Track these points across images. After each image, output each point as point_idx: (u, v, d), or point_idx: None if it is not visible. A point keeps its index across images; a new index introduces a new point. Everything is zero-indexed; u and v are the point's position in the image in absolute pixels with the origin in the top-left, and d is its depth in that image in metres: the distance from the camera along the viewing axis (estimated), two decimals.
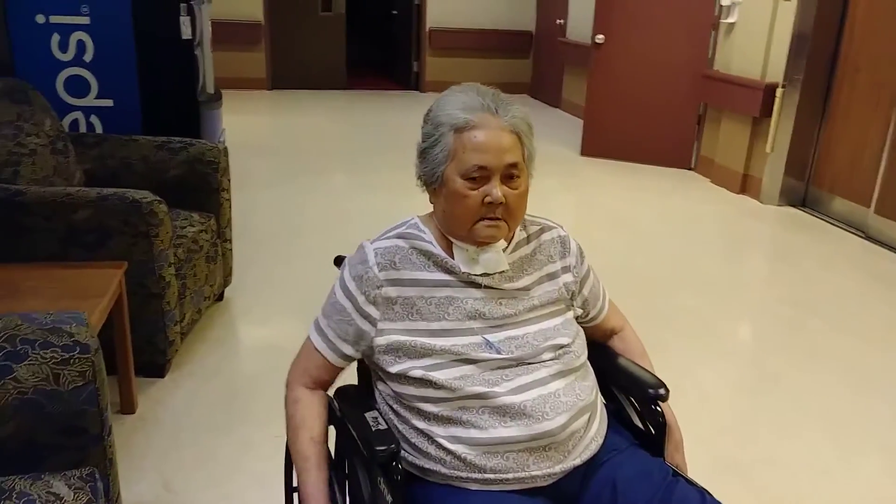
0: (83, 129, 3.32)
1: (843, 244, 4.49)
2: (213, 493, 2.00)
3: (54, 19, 3.17)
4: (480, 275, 1.32)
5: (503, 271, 1.34)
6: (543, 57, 9.43)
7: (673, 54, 5.90)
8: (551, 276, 1.40)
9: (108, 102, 3.32)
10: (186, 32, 3.40)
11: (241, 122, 6.77)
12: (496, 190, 1.26)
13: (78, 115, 3.31)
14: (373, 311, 1.30)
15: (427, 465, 1.27)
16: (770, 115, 5.04)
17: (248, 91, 8.73)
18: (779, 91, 4.97)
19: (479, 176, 1.26)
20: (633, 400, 1.48)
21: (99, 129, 3.33)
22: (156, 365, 2.50)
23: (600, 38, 6.10)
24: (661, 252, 4.19)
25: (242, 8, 8.64)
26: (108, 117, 3.34)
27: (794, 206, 5.17)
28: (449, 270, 1.32)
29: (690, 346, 3.05)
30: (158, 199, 2.34)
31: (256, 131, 6.88)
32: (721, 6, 5.57)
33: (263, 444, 2.17)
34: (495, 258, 1.32)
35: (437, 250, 1.34)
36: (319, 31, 9.40)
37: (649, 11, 5.92)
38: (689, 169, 6.05)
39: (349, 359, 1.36)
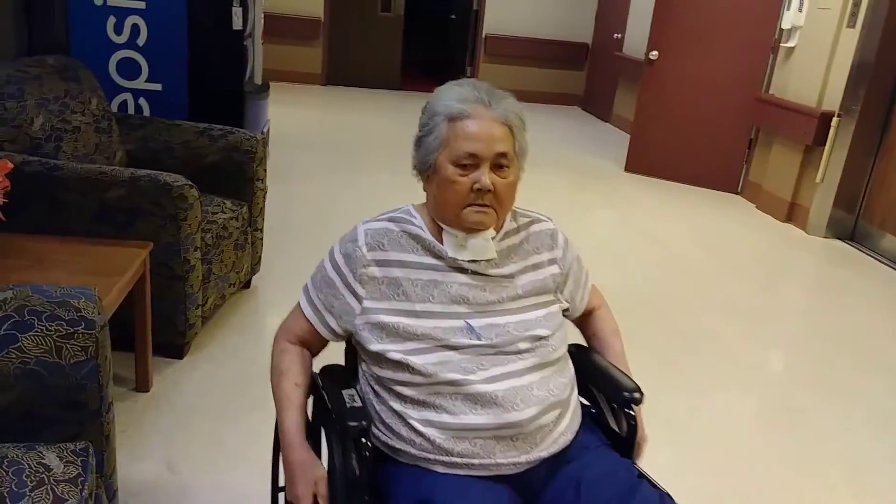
0: (131, 110, 3.40)
1: (889, 283, 4.33)
2: (215, 479, 2.02)
3: (112, 2, 3.26)
4: (468, 261, 1.36)
5: (490, 259, 1.38)
6: (598, 70, 9.35)
7: (727, 75, 5.78)
8: (537, 267, 1.44)
9: (157, 86, 3.40)
10: (237, 23, 3.47)
11: (292, 116, 6.87)
12: (485, 177, 1.32)
13: (127, 96, 3.40)
14: (359, 288, 1.37)
15: (398, 446, 1.33)
16: (823, 143, 4.90)
17: (303, 85, 8.85)
18: (834, 120, 4.83)
19: (470, 163, 1.32)
20: (612, 404, 1.50)
21: (147, 112, 3.42)
22: (174, 346, 2.54)
23: (654, 54, 6.02)
24: (695, 275, 4.10)
25: (304, 4, 8.77)
26: (156, 101, 3.42)
27: (840, 239, 5.01)
28: (436, 255, 1.38)
29: (714, 372, 2.97)
30: (190, 183, 2.38)
31: (306, 125, 6.96)
32: (781, 30, 5.45)
33: (271, 434, 2.17)
34: (483, 245, 1.36)
35: (426, 235, 1.39)
36: (377, 31, 9.48)
37: (706, 30, 5.81)
38: (735, 193, 5.92)
39: (333, 332, 1.41)
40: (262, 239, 3.15)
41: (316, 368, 1.49)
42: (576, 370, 1.46)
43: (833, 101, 4.90)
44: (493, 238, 1.38)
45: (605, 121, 8.90)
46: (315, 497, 1.28)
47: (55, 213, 2.31)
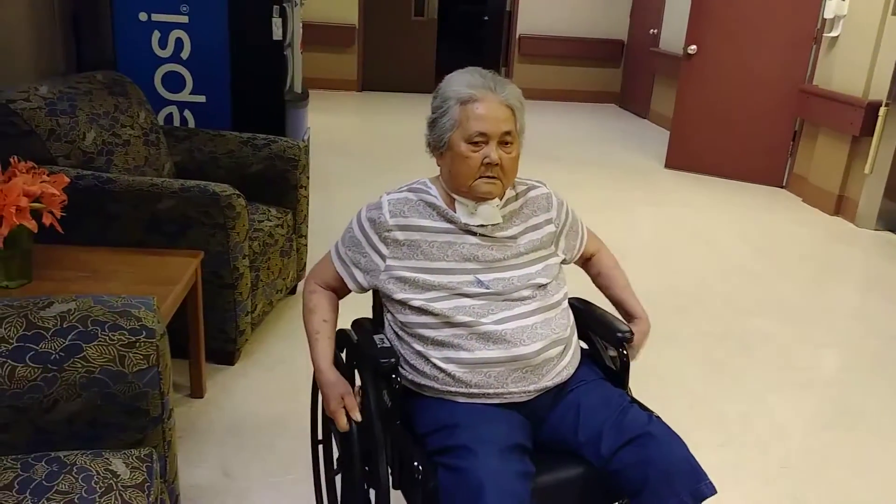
0: (177, 122, 3.47)
1: None
2: (267, 483, 2.05)
3: (156, 17, 3.33)
4: (478, 225, 1.57)
5: (496, 223, 1.58)
6: (634, 67, 9.26)
7: (769, 67, 5.68)
8: (535, 227, 1.64)
9: (202, 98, 3.47)
10: (277, 34, 3.51)
11: (330, 122, 6.94)
12: (493, 153, 1.52)
13: (173, 109, 3.47)
14: (383, 248, 1.58)
15: (422, 382, 1.53)
16: (871, 134, 4.78)
17: (339, 92, 8.94)
18: (882, 110, 4.71)
19: (480, 141, 1.53)
20: (607, 343, 1.72)
21: (192, 124, 3.48)
22: (226, 353, 2.58)
23: (692, 48, 5.94)
24: (742, 272, 4.03)
25: (338, 11, 8.86)
26: (200, 112, 3.48)
27: (892, 231, 4.88)
28: (450, 220, 1.58)
29: (765, 374, 2.92)
30: (237, 192, 2.41)
31: (343, 131, 7.03)
32: (824, 19, 5.33)
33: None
34: (491, 211, 1.57)
35: (441, 203, 1.60)
36: (411, 36, 9.54)
37: (746, 23, 5.71)
38: (781, 187, 5.81)
39: (359, 285, 1.63)
40: (306, 245, 3.19)
41: (347, 323, 1.70)
42: (577, 319, 1.68)
43: (880, 91, 4.77)
44: (497, 205, 1.58)
45: (643, 117, 8.81)
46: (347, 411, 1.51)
47: (109, 225, 2.37)
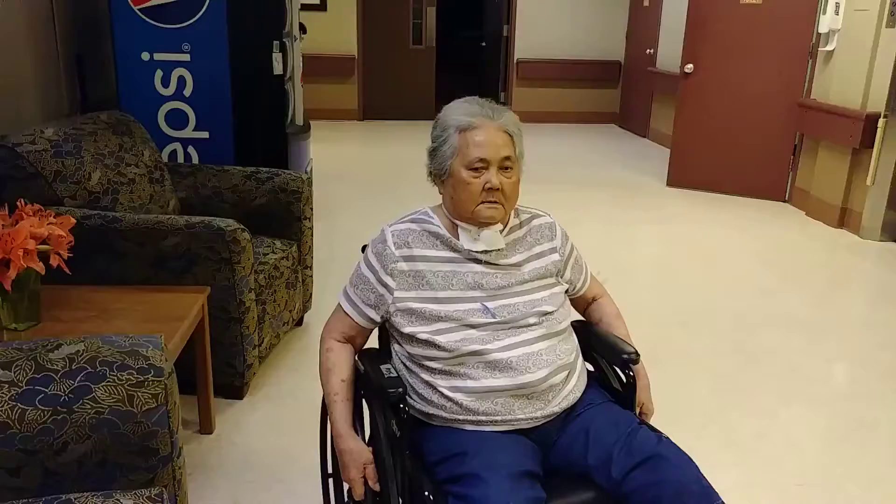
0: (181, 159, 3.51)
1: None
2: None
3: (158, 57, 3.38)
4: (481, 252, 1.59)
5: (499, 249, 1.60)
6: (632, 87, 9.32)
7: (766, 83, 5.71)
8: (540, 255, 1.66)
9: (205, 134, 3.51)
10: (278, 68, 3.56)
11: (331, 152, 6.99)
12: (494, 178, 1.55)
13: (176, 146, 3.51)
14: (390, 281, 1.60)
15: (431, 411, 1.55)
16: (871, 145, 4.79)
17: (340, 121, 9.01)
18: (881, 121, 4.72)
19: (480, 167, 1.56)
20: (613, 366, 1.72)
21: (195, 160, 3.52)
22: (234, 387, 2.59)
23: (689, 67, 5.98)
24: (749, 288, 4.02)
25: (337, 42, 8.98)
26: (203, 148, 3.52)
27: None
28: (453, 249, 1.61)
29: (777, 389, 2.90)
30: (242, 227, 2.43)
31: (345, 160, 7.07)
32: (819, 34, 5.37)
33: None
34: (493, 236, 1.59)
35: (444, 231, 1.62)
36: (410, 64, 9.64)
37: (741, 40, 5.76)
38: (783, 201, 5.81)
39: (372, 321, 1.64)
40: (311, 276, 3.20)
41: None
42: (580, 341, 1.69)
43: (878, 102, 4.79)
44: (500, 231, 1.60)
45: (643, 136, 8.85)
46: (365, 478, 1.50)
47: (115, 264, 2.39)
